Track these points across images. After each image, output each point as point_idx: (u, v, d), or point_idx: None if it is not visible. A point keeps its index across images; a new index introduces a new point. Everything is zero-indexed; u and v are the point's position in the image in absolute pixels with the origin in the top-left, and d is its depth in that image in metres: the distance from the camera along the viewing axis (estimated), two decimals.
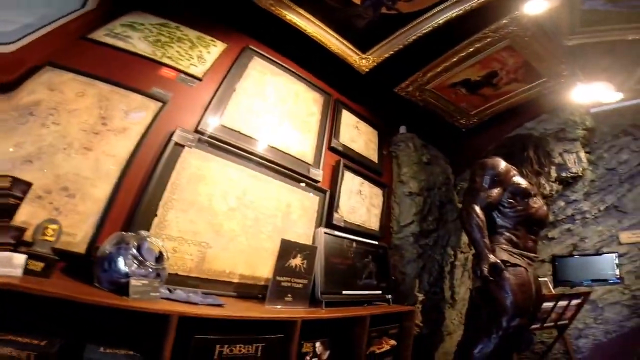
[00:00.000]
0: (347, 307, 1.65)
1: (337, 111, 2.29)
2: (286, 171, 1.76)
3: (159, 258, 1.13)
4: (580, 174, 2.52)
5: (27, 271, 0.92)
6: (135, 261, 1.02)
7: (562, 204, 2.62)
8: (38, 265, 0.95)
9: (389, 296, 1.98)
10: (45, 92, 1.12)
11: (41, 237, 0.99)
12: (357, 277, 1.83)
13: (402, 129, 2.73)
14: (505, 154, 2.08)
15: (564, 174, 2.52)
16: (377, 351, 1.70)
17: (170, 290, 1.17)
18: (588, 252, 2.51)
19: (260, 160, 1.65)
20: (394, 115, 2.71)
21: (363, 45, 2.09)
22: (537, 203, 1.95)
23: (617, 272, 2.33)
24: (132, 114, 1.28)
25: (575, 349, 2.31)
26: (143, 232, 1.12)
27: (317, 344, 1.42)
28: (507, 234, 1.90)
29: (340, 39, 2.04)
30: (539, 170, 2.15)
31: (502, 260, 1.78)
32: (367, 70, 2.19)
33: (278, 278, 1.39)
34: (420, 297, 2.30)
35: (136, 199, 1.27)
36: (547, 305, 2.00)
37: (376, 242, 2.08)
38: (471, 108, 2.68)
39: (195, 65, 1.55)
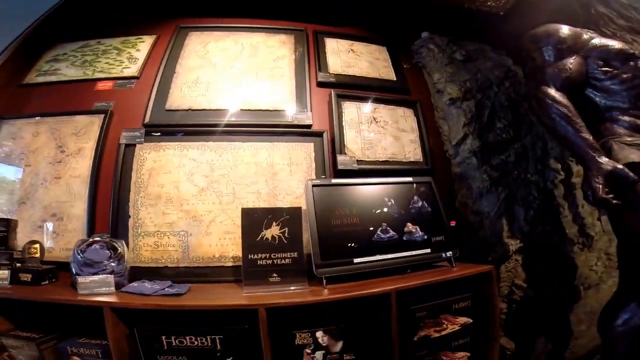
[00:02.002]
0: (369, 279, 1.22)
1: (318, 42, 1.92)
2: (258, 128, 1.54)
3: (116, 256, 1.11)
4: None
5: (19, 282, 1.10)
6: (77, 263, 1.03)
7: None
8: (27, 277, 1.11)
9: (449, 253, 1.37)
10: (10, 142, 1.31)
11: (28, 255, 1.16)
12: (383, 236, 1.33)
13: (424, 34, 2.04)
14: (564, 21, 1.45)
15: None
16: (435, 335, 1.22)
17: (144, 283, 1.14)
18: None
19: (222, 129, 1.49)
20: (403, 22, 2.09)
21: None
22: None
23: None
24: (81, 134, 1.34)
25: None
26: (96, 237, 1.17)
27: (319, 334, 1.10)
28: (626, 117, 1.29)
29: None
30: (629, 24, 1.47)
31: (630, 164, 1.14)
32: None
33: (251, 256, 1.17)
34: (515, 244, 1.56)
35: (110, 207, 1.33)
36: None
37: (410, 179, 1.48)
38: None
39: (128, 67, 1.58)
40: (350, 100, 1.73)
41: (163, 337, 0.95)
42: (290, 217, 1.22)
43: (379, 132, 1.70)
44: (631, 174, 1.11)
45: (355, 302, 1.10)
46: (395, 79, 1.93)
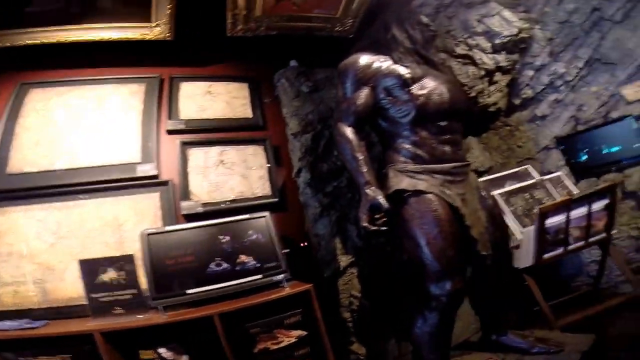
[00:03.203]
0: (205, 305, 1.50)
1: (173, 88, 2.07)
2: (103, 185, 1.74)
3: None
4: (525, 35, 2.11)
5: None
6: None
7: (530, 72, 2.24)
8: None
9: (280, 277, 1.62)
10: None
11: None
12: (216, 269, 1.61)
13: (293, 63, 2.21)
14: (373, 46, 1.54)
15: (498, 41, 2.06)
16: (274, 347, 1.48)
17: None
18: (595, 123, 2.07)
19: (65, 189, 1.68)
20: (265, 57, 2.27)
21: (141, 17, 1.86)
22: (426, 87, 1.38)
23: None
24: None
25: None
26: None
27: (162, 350, 1.41)
28: (408, 146, 1.40)
29: (117, 24, 1.85)
30: (412, 47, 1.50)
31: (397, 191, 1.32)
32: (169, 36, 1.94)
33: (93, 295, 1.46)
34: (346, 260, 1.83)
35: None
36: (554, 221, 1.62)
37: (247, 216, 1.76)
38: (332, 10, 2.13)
39: None
40: (197, 146, 1.95)
41: (21, 359, 1.24)
42: (125, 262, 1.50)
43: (225, 174, 1.96)
44: (385, 204, 1.25)
45: (198, 323, 1.38)
46: (251, 116, 2.15)
